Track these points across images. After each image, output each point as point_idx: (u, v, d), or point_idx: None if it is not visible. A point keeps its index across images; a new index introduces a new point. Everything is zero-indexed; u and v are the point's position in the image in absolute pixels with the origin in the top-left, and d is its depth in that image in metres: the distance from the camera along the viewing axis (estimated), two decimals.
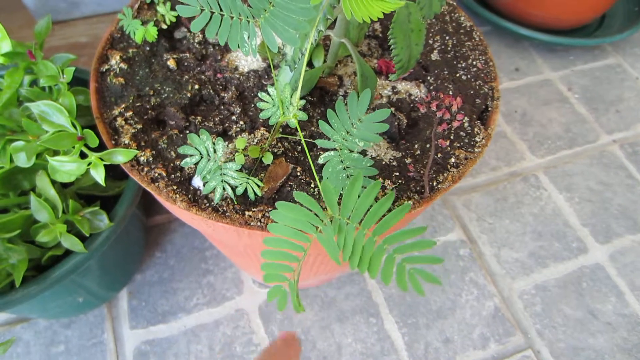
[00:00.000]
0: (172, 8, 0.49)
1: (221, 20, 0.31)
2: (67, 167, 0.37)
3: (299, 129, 0.33)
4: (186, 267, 0.67)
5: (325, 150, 0.41)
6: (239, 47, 0.29)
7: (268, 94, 0.38)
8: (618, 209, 0.75)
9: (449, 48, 0.50)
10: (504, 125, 0.84)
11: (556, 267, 0.69)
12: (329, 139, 0.35)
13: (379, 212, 0.27)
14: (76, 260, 0.44)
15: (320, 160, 0.35)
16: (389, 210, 0.28)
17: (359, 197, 0.27)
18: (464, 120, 0.43)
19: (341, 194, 0.31)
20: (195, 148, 0.35)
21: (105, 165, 0.46)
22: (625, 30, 0.89)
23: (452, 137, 0.43)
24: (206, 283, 0.66)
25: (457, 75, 0.48)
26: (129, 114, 0.42)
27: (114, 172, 0.53)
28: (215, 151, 0.35)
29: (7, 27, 0.80)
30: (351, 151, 0.34)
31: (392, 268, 0.26)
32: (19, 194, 0.45)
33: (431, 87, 0.46)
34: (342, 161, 0.34)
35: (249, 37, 0.29)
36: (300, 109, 0.37)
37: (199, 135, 0.35)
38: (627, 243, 0.72)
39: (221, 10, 0.31)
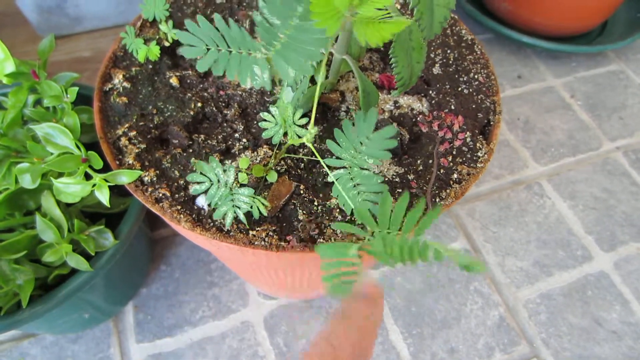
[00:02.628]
0: (175, 26, 0.49)
1: (229, 57, 0.31)
2: (71, 188, 0.37)
3: (314, 151, 0.34)
4: (191, 280, 0.67)
5: (334, 169, 0.41)
6: (250, 81, 0.30)
7: (270, 113, 0.38)
8: (622, 216, 0.75)
9: (450, 62, 0.51)
10: (506, 133, 0.84)
11: (561, 275, 0.69)
12: (337, 158, 0.35)
13: (414, 218, 0.30)
14: (82, 279, 0.45)
15: (331, 179, 0.36)
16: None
17: (392, 211, 0.31)
18: (465, 137, 0.43)
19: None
20: (205, 175, 0.35)
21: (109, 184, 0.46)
22: (627, 37, 0.89)
23: (454, 153, 0.43)
24: (211, 295, 0.66)
25: (459, 89, 0.48)
26: (132, 133, 0.42)
27: (118, 188, 0.53)
28: (226, 177, 0.35)
29: (11, 42, 0.81)
30: (362, 169, 0.35)
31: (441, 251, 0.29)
32: (25, 213, 0.45)
33: (433, 102, 0.46)
34: (352, 179, 0.35)
35: (261, 71, 0.30)
36: (300, 126, 0.37)
37: (207, 161, 0.35)
38: (632, 251, 0.72)
39: (229, 47, 0.31)
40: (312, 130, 0.34)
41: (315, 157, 0.43)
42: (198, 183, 0.35)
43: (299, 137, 0.36)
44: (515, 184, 0.78)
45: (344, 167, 0.36)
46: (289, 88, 0.40)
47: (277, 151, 0.41)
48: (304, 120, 0.38)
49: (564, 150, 0.82)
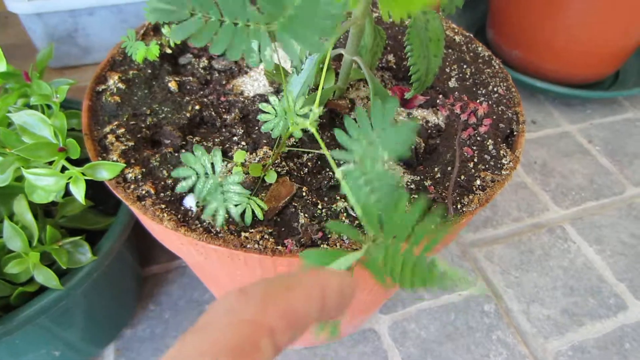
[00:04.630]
0: None
1: (220, 29, 0.25)
2: (44, 181, 0.33)
3: (317, 137, 0.29)
4: (183, 322, 0.61)
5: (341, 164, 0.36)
6: (243, 56, 0.25)
7: (269, 103, 0.35)
8: None
9: (467, 76, 0.48)
10: (523, 175, 0.80)
11: (594, 325, 0.62)
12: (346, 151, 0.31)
13: (428, 225, 0.23)
14: (50, 298, 0.39)
15: (338, 174, 0.31)
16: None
17: (403, 215, 0.23)
18: (489, 130, 0.38)
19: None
20: (191, 167, 0.30)
21: (94, 198, 0.42)
22: None
23: (475, 158, 0.38)
24: None
25: (478, 101, 0.45)
26: (120, 131, 0.38)
27: (104, 205, 0.48)
28: (213, 166, 0.30)
29: None
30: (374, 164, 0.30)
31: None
32: None
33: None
34: (364, 174, 0.30)
35: (260, 47, 0.25)
36: (303, 116, 0.33)
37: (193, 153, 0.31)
38: None
39: (222, 16, 0.25)
40: (316, 109, 0.30)
41: (319, 161, 0.39)
42: (184, 179, 0.30)
43: (300, 124, 0.32)
44: (536, 227, 0.72)
45: (353, 162, 0.31)
46: (295, 78, 0.37)
47: (276, 148, 0.36)
48: (306, 110, 0.34)
49: (585, 194, 0.77)
